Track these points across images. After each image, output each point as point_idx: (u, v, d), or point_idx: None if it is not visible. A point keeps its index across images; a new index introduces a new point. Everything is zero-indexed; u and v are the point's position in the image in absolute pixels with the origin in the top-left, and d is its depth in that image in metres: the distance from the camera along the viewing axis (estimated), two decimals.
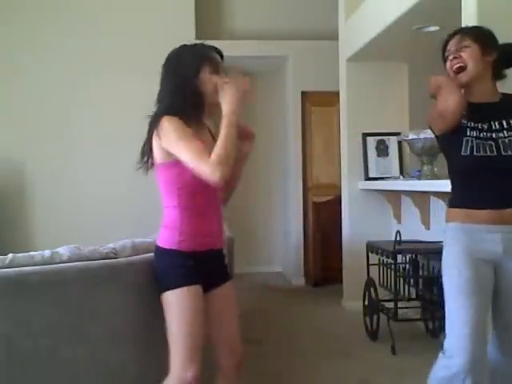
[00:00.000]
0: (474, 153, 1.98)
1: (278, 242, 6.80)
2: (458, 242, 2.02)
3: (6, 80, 5.69)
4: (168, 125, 1.83)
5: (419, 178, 4.01)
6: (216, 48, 2.05)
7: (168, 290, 1.89)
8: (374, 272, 4.08)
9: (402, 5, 3.50)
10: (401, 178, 4.58)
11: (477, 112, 2.04)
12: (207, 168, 1.76)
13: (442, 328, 2.00)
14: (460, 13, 2.73)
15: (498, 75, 2.10)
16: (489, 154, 1.98)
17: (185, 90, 1.90)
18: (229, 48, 5.75)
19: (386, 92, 4.87)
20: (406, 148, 4.50)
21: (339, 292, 5.05)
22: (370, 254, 4.14)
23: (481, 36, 2.04)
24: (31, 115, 5.71)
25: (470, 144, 2.00)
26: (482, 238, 1.99)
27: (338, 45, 5.05)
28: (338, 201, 5.17)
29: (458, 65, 2.01)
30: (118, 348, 2.05)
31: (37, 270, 1.97)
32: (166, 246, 1.94)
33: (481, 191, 2.02)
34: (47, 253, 2.06)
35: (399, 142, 4.79)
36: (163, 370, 1.88)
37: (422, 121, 4.38)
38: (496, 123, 2.03)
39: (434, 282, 3.62)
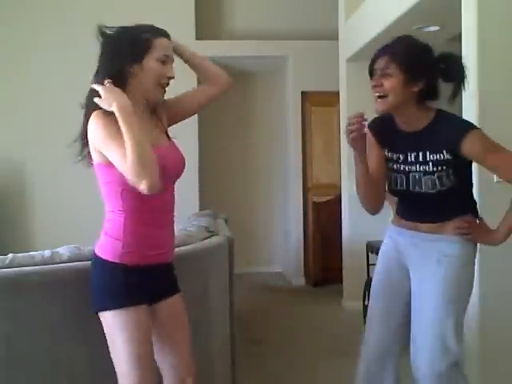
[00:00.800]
0: (392, 186, 2.02)
1: (278, 242, 6.80)
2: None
3: (6, 80, 5.69)
4: (96, 121, 1.64)
5: None
6: (163, 31, 1.79)
7: (106, 310, 1.69)
8: None
9: (401, 5, 3.50)
10: None
11: (397, 141, 1.99)
12: (130, 177, 1.55)
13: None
14: (460, 13, 2.73)
15: (430, 97, 1.95)
16: (399, 188, 1.99)
17: (120, 75, 1.70)
18: (229, 48, 5.87)
19: None
20: None
21: (339, 292, 5.05)
22: (369, 254, 4.14)
23: (408, 64, 1.86)
24: (31, 115, 5.71)
25: (388, 176, 2.03)
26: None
27: (338, 45, 5.05)
28: (337, 201, 5.17)
29: (377, 94, 1.90)
30: None
31: (37, 270, 1.96)
32: (107, 258, 1.71)
33: (403, 209, 2.09)
34: (47, 253, 2.06)
35: None
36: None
37: None
38: (412, 155, 1.93)
39: None
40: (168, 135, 1.87)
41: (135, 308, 1.69)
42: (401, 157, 1.96)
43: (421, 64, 1.89)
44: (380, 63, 1.92)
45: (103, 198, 1.78)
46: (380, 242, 4.05)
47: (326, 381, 3.27)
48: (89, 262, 1.83)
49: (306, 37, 5.94)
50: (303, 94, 6.01)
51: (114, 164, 1.60)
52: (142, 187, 1.54)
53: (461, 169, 1.91)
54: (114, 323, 1.68)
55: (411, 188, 1.94)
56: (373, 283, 2.16)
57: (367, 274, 4.14)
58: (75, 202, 5.65)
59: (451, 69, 1.91)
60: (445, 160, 1.87)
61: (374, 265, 4.09)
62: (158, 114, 1.86)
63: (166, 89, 1.79)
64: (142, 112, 1.77)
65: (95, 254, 1.76)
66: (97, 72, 1.77)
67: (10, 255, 2.01)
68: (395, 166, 1.98)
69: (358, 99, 4.88)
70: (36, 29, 5.71)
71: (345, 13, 4.87)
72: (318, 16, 5.95)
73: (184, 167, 1.83)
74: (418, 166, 1.91)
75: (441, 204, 1.95)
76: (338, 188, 5.24)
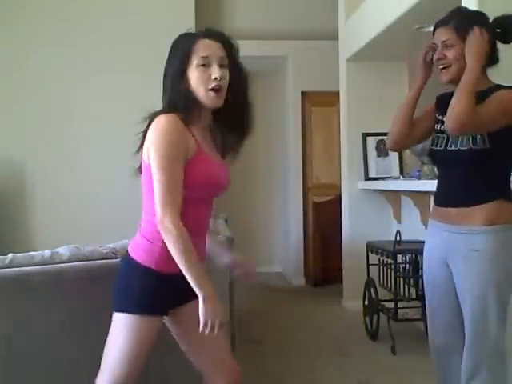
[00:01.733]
0: (432, 146, 2.06)
1: (277, 242, 6.80)
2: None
3: (6, 80, 5.69)
4: (161, 126, 1.60)
5: (419, 177, 4.01)
6: (212, 32, 1.73)
7: (127, 312, 1.66)
8: (374, 272, 4.08)
9: (401, 5, 3.50)
10: (401, 178, 4.58)
11: (442, 106, 2.04)
12: (161, 213, 1.57)
13: None
14: None
15: (489, 63, 1.98)
16: (438, 147, 2.02)
17: (176, 86, 1.67)
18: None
19: (386, 92, 4.87)
20: None
21: (339, 292, 5.05)
22: (369, 254, 4.14)
23: (467, 32, 1.91)
24: (31, 115, 5.70)
25: (432, 138, 2.08)
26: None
27: (338, 45, 5.05)
28: (337, 201, 5.17)
29: (442, 66, 1.96)
30: None
31: (37, 270, 1.97)
32: (141, 261, 1.68)
33: (438, 188, 2.09)
34: (47, 253, 2.06)
35: None
36: (163, 369, 1.88)
37: None
38: None
39: None
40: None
41: (153, 318, 1.69)
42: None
43: (481, 27, 1.93)
44: (440, 36, 1.98)
45: (144, 195, 1.72)
46: (380, 242, 4.09)
47: (326, 381, 3.27)
48: (89, 262, 1.84)
49: (306, 37, 5.94)
50: (303, 93, 6.01)
51: (154, 190, 1.59)
52: (161, 227, 1.58)
53: (497, 135, 1.87)
54: (126, 324, 1.67)
55: (448, 146, 1.96)
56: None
57: (367, 274, 4.14)
58: (75, 202, 5.64)
59: (508, 30, 1.97)
60: None
61: (374, 265, 4.12)
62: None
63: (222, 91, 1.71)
64: (207, 128, 1.77)
65: (129, 254, 1.72)
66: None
67: (10, 255, 2.01)
68: (440, 127, 2.02)
69: (358, 99, 4.89)
70: (36, 28, 5.70)
71: (345, 13, 4.87)
72: (318, 16, 5.94)
73: (229, 185, 1.83)
74: None
75: (472, 174, 1.93)
76: (338, 188, 5.24)
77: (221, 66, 1.69)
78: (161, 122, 1.62)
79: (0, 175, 5.60)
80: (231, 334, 2.77)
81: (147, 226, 1.71)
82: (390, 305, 3.81)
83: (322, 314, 4.76)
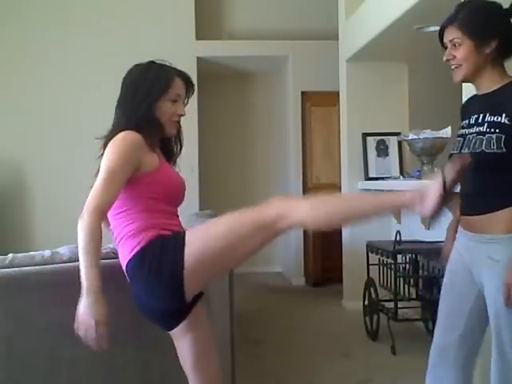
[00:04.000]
0: (452, 150, 1.97)
1: (278, 242, 6.79)
2: None
3: (7, 80, 5.69)
4: (122, 138, 1.77)
5: (419, 177, 4.00)
6: (184, 74, 1.93)
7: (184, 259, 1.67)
8: (374, 272, 4.08)
9: (401, 5, 3.50)
10: (401, 177, 4.57)
11: (468, 108, 1.98)
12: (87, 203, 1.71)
13: None
14: None
15: (504, 56, 1.87)
16: (455, 151, 1.93)
17: (146, 109, 1.84)
18: (229, 48, 5.86)
19: (386, 92, 4.87)
20: (406, 148, 4.50)
21: (339, 292, 5.05)
22: (369, 254, 4.14)
23: (475, 28, 1.82)
24: (31, 115, 5.70)
25: (454, 141, 2.00)
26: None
27: (338, 45, 5.05)
28: None
29: (453, 66, 1.88)
30: (118, 348, 2.05)
31: (37, 269, 1.96)
32: (144, 245, 1.74)
33: (462, 196, 1.97)
34: (47, 253, 2.06)
35: (399, 142, 4.79)
36: (163, 369, 1.88)
37: (422, 121, 4.41)
38: (473, 117, 1.88)
39: (434, 282, 3.61)
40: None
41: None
42: (466, 121, 1.93)
43: (488, 23, 1.84)
44: (447, 35, 1.88)
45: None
46: (380, 242, 4.08)
47: (326, 381, 3.27)
48: None
49: (306, 37, 5.94)
50: (303, 94, 6.01)
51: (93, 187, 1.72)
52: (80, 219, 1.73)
53: None
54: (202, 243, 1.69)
55: (462, 150, 1.87)
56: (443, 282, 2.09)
57: (367, 274, 4.14)
58: (75, 202, 5.60)
59: None
60: (500, 123, 1.78)
61: (374, 265, 4.11)
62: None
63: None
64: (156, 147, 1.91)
65: (130, 259, 1.76)
66: (122, 109, 1.90)
67: (10, 255, 2.01)
68: (460, 131, 1.95)
69: (358, 99, 4.89)
70: (36, 29, 5.71)
71: (345, 13, 4.87)
72: (318, 16, 5.94)
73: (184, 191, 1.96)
74: (475, 127, 1.86)
75: (487, 179, 1.83)
76: (337, 188, 5.23)
77: (184, 104, 1.96)
78: (122, 135, 1.80)
79: (0, 175, 5.60)
80: (231, 333, 2.76)
81: (125, 228, 1.78)
82: (390, 305, 3.81)
83: (322, 314, 4.76)
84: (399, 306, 3.75)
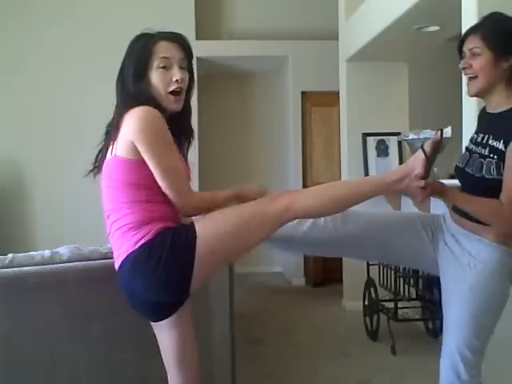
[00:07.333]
0: (457, 162, 1.96)
1: None
2: None
3: (7, 80, 5.69)
4: (146, 117, 1.59)
5: None
6: (169, 34, 1.73)
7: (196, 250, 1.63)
8: (374, 272, 4.08)
9: (402, 5, 3.49)
10: None
11: (479, 123, 1.97)
12: (182, 199, 1.65)
13: (442, 328, 2.00)
14: (460, 13, 2.73)
15: None
16: (460, 164, 1.92)
17: (137, 86, 1.69)
18: (229, 48, 5.85)
19: (386, 92, 4.87)
20: (406, 148, 4.50)
21: (339, 292, 5.05)
22: None
23: (496, 40, 1.79)
24: (31, 115, 5.70)
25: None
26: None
27: (338, 45, 5.05)
28: None
29: (468, 76, 1.85)
30: (118, 348, 2.05)
31: (37, 269, 1.97)
32: (146, 238, 1.65)
33: None
34: (47, 253, 2.06)
35: (399, 142, 4.79)
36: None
37: (422, 121, 4.41)
38: (480, 136, 1.88)
39: (434, 282, 3.61)
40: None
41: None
42: (474, 136, 1.93)
43: (510, 37, 1.80)
44: (468, 43, 1.85)
45: (110, 193, 1.78)
46: None
47: (326, 381, 3.27)
48: (89, 262, 1.83)
49: (306, 37, 5.94)
50: (303, 94, 6.01)
51: (155, 171, 1.62)
52: (188, 208, 1.68)
53: None
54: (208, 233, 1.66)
55: (467, 167, 1.87)
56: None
57: (367, 274, 4.14)
58: (75, 201, 5.65)
59: None
60: (498, 150, 1.77)
61: (374, 265, 4.11)
62: None
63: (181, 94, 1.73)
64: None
65: (126, 257, 1.67)
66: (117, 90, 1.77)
67: (10, 255, 2.01)
68: (468, 144, 1.94)
69: (358, 99, 4.89)
70: (36, 30, 5.71)
71: (345, 13, 4.87)
72: (318, 16, 5.94)
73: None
74: (479, 147, 1.85)
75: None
76: None
77: (181, 67, 1.71)
78: (141, 112, 1.61)
79: (0, 175, 5.60)
80: (231, 333, 2.76)
81: (127, 220, 1.68)
82: (390, 305, 3.81)
83: (322, 314, 4.76)
84: (399, 305, 3.75)
